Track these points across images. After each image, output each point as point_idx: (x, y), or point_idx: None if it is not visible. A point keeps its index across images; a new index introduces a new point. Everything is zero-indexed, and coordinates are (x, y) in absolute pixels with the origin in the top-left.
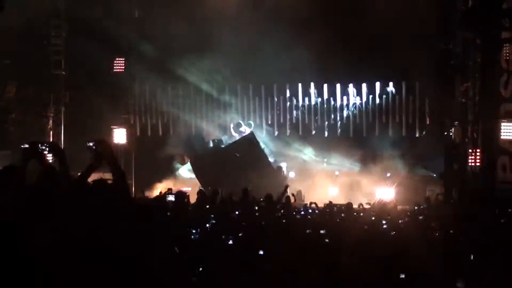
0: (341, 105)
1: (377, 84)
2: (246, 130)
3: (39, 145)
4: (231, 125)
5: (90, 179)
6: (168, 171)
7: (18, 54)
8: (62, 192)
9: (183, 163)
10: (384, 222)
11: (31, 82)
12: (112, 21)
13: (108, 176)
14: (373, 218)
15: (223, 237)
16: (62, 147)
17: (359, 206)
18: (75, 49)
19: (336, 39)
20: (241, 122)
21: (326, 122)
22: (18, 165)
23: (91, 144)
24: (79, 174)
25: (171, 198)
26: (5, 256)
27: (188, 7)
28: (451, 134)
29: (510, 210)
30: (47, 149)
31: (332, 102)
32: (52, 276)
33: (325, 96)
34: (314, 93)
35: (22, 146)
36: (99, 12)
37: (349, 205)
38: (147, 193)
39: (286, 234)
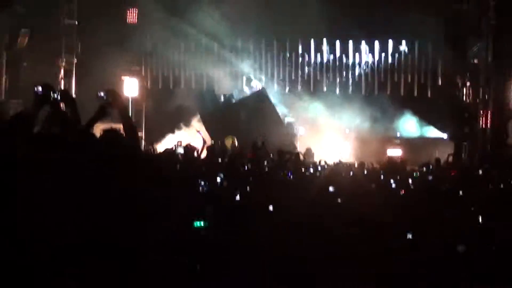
0: (353, 62)
1: (390, 42)
2: (257, 85)
3: (52, 92)
4: (243, 80)
5: (101, 128)
6: (179, 124)
7: (30, 2)
8: (73, 140)
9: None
10: (392, 181)
11: (43, 30)
12: None
13: (117, 126)
14: (382, 177)
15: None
16: (74, 96)
17: (368, 165)
18: None
19: None
20: (251, 77)
21: (338, 80)
22: (30, 112)
23: (102, 93)
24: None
25: (180, 150)
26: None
27: None
28: (462, 95)
29: None
30: (59, 96)
31: (344, 60)
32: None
33: (338, 53)
34: (327, 49)
35: (35, 88)
36: None
37: (361, 164)
38: (158, 146)
39: (295, 190)
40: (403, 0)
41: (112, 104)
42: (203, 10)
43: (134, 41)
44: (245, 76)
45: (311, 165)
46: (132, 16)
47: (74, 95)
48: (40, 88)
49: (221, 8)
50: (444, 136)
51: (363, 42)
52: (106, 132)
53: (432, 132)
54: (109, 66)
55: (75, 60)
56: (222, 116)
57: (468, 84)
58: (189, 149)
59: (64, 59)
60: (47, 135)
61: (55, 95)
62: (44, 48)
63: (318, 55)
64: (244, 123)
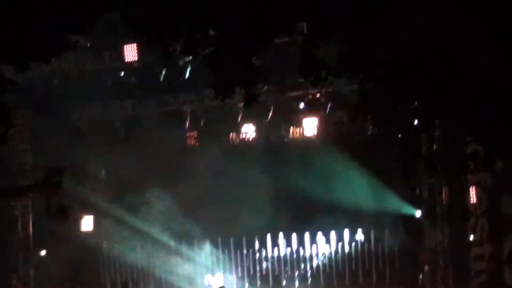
0: (311, 254)
1: (346, 232)
2: (214, 284)
3: None
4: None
5: None
6: None
7: None
8: None
9: None
10: None
11: None
12: None
13: None
14: None
15: None
16: None
17: None
18: None
19: (300, 190)
20: (211, 276)
21: (296, 272)
22: None
23: None
24: None
25: None
26: None
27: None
28: (420, 280)
29: None
30: None
31: (302, 252)
32: None
33: (294, 246)
34: (283, 243)
35: None
36: None
37: None
38: None
39: None
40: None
41: None
42: (156, 214)
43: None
44: (204, 275)
45: None
46: None
47: None
48: None
49: (174, 211)
50: None
51: (319, 233)
52: None
53: None
54: None
55: None
56: None
57: (426, 268)
58: None
59: None
60: None
61: None
62: None
63: (275, 249)
64: None
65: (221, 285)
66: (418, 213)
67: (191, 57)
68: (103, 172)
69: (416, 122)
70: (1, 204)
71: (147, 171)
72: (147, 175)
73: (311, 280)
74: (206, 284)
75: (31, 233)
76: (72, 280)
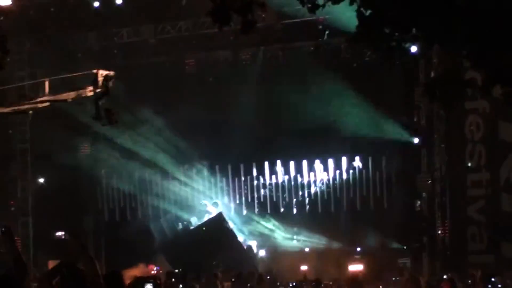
0: (308, 181)
1: (343, 159)
2: (212, 210)
3: None
4: (203, 204)
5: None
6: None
7: None
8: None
9: None
10: None
11: None
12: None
13: None
14: None
15: None
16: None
17: (330, 283)
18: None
19: (301, 116)
20: (206, 202)
21: (294, 199)
22: None
23: (61, 234)
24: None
25: (149, 286)
26: None
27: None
28: (418, 206)
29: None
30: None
31: (300, 179)
32: None
33: (292, 173)
34: (281, 170)
35: None
36: None
37: (318, 281)
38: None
39: None
40: (354, 116)
41: (72, 244)
42: (155, 139)
43: (88, 175)
44: (202, 201)
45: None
46: (84, 149)
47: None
48: None
49: (174, 136)
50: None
51: (316, 161)
52: (64, 267)
53: (393, 243)
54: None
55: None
56: (181, 244)
57: (424, 195)
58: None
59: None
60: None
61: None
62: None
63: (273, 176)
64: (204, 249)
65: (219, 211)
66: (415, 140)
67: None
68: None
69: (414, 49)
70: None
71: (144, 95)
72: (144, 99)
73: (309, 207)
74: (204, 209)
75: (29, 161)
76: (69, 206)
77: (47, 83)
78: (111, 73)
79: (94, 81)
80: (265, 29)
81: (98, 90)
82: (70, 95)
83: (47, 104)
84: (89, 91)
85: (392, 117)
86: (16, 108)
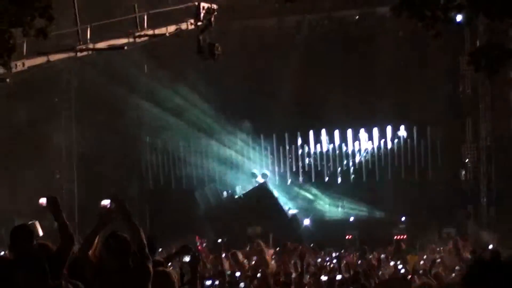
0: (353, 150)
1: (388, 128)
2: (261, 180)
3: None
4: (253, 174)
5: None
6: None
7: None
8: None
9: None
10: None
11: None
12: None
13: None
14: None
15: None
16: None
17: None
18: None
19: (346, 85)
20: (255, 172)
21: (339, 168)
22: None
23: (107, 202)
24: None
25: (187, 259)
26: None
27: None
28: (463, 176)
29: None
30: None
31: (344, 148)
32: None
33: (337, 142)
34: (326, 139)
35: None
36: None
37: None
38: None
39: None
40: (399, 85)
41: (116, 211)
42: (201, 108)
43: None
44: (253, 170)
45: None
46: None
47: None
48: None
49: (219, 105)
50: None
51: (361, 130)
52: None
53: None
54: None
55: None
56: (226, 212)
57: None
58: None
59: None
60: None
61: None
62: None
63: (318, 145)
64: (248, 217)
65: (263, 180)
66: (461, 109)
67: None
68: None
69: (459, 17)
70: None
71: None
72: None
73: (354, 176)
74: (253, 179)
75: (73, 127)
76: (113, 173)
77: (145, 17)
78: (214, 6)
79: (195, 14)
80: None
81: (200, 23)
82: (169, 29)
83: (145, 38)
84: (190, 24)
85: (437, 86)
86: (111, 44)
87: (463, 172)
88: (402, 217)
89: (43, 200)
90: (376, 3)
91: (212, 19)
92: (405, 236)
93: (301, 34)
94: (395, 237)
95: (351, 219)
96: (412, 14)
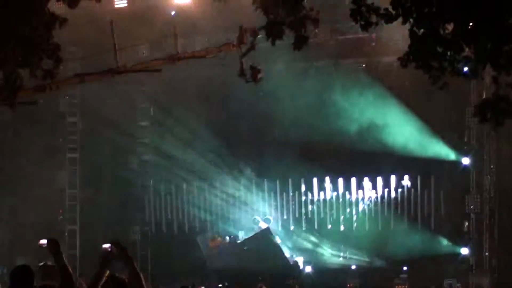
0: (357, 198)
1: (392, 177)
2: (264, 226)
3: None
4: (255, 220)
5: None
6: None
7: None
8: None
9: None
10: None
11: None
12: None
13: None
14: None
15: None
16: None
17: None
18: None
19: (349, 134)
20: (257, 218)
21: (342, 216)
22: None
23: (107, 246)
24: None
25: None
26: None
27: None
28: (465, 227)
29: None
30: None
31: (348, 196)
32: None
33: (340, 190)
34: (330, 187)
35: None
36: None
37: None
38: None
39: None
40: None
41: (118, 256)
42: (203, 154)
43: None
44: (254, 217)
45: None
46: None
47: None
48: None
49: (221, 151)
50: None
51: (365, 178)
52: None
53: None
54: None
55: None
56: (227, 257)
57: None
58: None
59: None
60: None
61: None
62: None
63: (321, 192)
64: (250, 263)
65: (266, 225)
66: (465, 161)
67: None
68: None
69: (465, 69)
70: None
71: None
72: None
73: (357, 225)
74: (255, 225)
75: (78, 170)
76: (116, 217)
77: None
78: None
79: (239, 36)
80: (318, 45)
81: (243, 46)
82: (210, 51)
83: (183, 59)
84: (232, 47)
85: (442, 136)
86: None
87: (466, 224)
88: (404, 266)
89: (43, 241)
90: (383, 52)
91: (255, 42)
92: (406, 286)
93: (308, 80)
94: (396, 287)
95: (353, 267)
96: (419, 65)
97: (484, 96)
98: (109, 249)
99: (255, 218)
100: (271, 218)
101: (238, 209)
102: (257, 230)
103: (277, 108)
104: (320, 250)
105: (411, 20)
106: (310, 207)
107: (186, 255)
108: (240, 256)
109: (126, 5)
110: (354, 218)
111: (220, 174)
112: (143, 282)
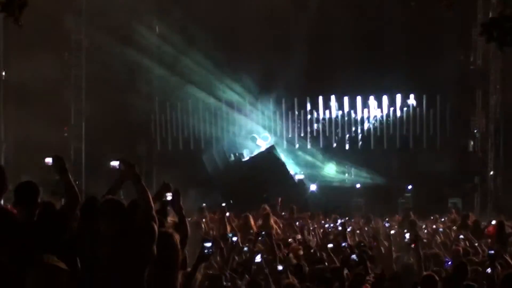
0: (362, 117)
1: (398, 96)
2: (261, 143)
3: None
4: (253, 137)
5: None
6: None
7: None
8: None
9: None
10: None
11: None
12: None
13: None
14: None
15: None
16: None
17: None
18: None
19: (357, 52)
20: (255, 136)
21: (347, 135)
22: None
23: (116, 164)
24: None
25: (169, 197)
26: None
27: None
28: (471, 146)
29: None
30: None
31: (353, 115)
32: None
33: (346, 108)
34: (335, 106)
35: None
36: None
37: (368, 217)
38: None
39: None
40: (411, 54)
41: (125, 173)
42: (211, 71)
43: (143, 105)
44: (254, 134)
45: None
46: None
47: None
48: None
49: (229, 68)
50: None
51: (371, 97)
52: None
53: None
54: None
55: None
56: (233, 175)
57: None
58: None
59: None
60: None
61: None
62: None
63: (327, 111)
64: (255, 181)
65: (270, 144)
66: (471, 80)
67: None
68: None
69: None
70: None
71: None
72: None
73: (362, 143)
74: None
75: (83, 86)
76: (122, 133)
77: None
78: None
79: None
80: None
81: None
82: None
83: None
84: None
85: (448, 55)
86: None
87: (471, 143)
88: (408, 185)
89: (48, 160)
90: None
91: None
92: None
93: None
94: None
95: (358, 185)
96: None
97: (490, 16)
98: (117, 167)
99: (253, 136)
100: (268, 136)
101: (243, 127)
102: (258, 148)
103: (284, 27)
104: (325, 168)
105: None
106: (315, 125)
107: (192, 173)
108: (245, 173)
109: None
110: (360, 137)
111: (226, 94)
112: (150, 199)
